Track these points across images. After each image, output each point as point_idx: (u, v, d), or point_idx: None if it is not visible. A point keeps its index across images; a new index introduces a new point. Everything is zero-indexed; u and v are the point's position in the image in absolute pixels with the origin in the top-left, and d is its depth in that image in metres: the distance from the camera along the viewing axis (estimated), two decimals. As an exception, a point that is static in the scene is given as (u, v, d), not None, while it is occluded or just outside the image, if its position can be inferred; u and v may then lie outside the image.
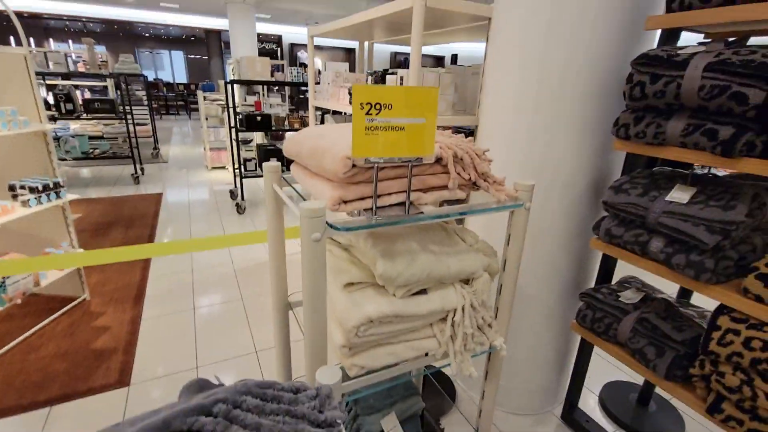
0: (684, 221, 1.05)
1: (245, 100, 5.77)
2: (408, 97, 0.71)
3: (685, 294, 1.65)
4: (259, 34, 10.42)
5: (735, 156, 0.95)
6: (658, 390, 1.85)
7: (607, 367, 2.06)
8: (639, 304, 1.32)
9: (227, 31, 9.07)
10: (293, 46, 14.06)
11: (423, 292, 0.88)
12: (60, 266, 2.27)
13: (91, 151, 5.27)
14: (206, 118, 5.85)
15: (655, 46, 1.34)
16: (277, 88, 8.94)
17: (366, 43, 2.75)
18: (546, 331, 1.64)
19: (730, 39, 1.10)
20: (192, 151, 7.55)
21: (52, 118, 4.67)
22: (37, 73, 4.31)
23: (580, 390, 1.66)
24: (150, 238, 3.48)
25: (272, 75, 4.83)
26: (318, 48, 14.10)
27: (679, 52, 1.04)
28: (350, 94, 2.08)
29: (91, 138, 5.43)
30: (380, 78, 1.99)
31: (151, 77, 13.76)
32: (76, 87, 7.82)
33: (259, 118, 4.06)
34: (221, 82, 6.13)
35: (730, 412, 1.03)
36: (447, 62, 15.05)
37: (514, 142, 1.46)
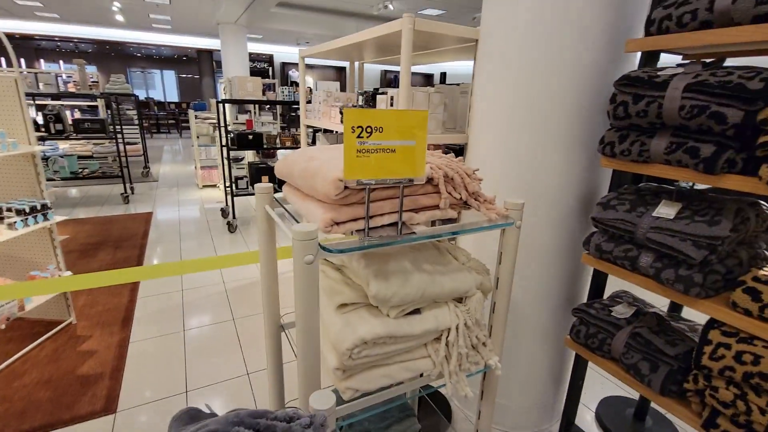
0: (671, 236, 1.07)
1: (237, 119, 5.81)
2: (398, 120, 0.72)
3: (675, 308, 1.67)
4: (250, 54, 10.56)
5: (717, 173, 0.98)
6: (654, 405, 1.85)
7: (603, 383, 2.05)
8: (631, 319, 1.33)
9: (219, 50, 9.18)
10: (284, 65, 14.25)
11: (417, 311, 0.87)
12: (46, 292, 2.21)
13: (80, 170, 5.22)
14: (197, 137, 5.85)
15: (636, 66, 1.39)
16: (268, 106, 9.01)
17: (356, 63, 2.80)
18: (540, 347, 1.63)
19: (708, 60, 1.14)
20: (183, 170, 7.52)
21: (41, 139, 4.64)
22: (27, 94, 4.30)
23: (577, 406, 1.65)
24: (139, 259, 3.43)
25: (264, 94, 4.88)
26: (309, 67, 14.31)
27: (659, 73, 1.08)
28: (341, 113, 2.10)
29: (80, 158, 5.40)
30: (371, 97, 2.03)
31: (142, 96, 13.79)
32: (66, 107, 7.79)
33: (250, 136, 4.08)
34: (213, 101, 6.17)
35: (725, 427, 1.03)
36: (436, 80, 15.36)
37: (503, 159, 1.48)
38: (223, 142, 4.12)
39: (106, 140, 5.47)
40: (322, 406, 0.64)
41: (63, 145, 5.49)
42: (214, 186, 6.18)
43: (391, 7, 7.77)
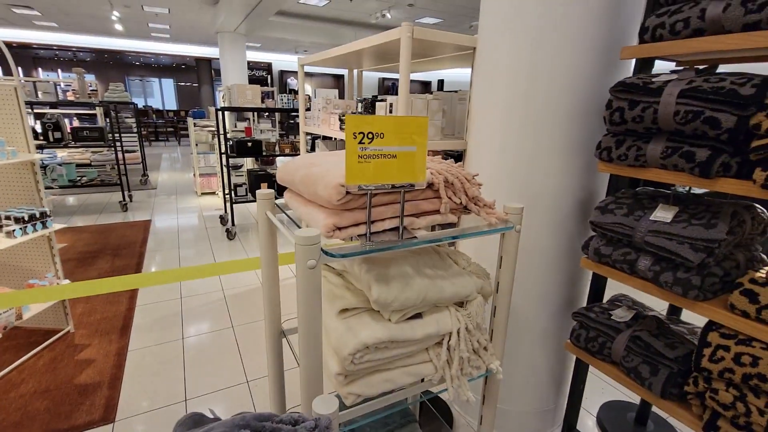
0: (669, 240, 1.08)
1: (236, 126, 5.82)
2: (399, 127, 0.74)
3: (674, 311, 1.67)
4: (249, 62, 10.62)
5: (712, 176, 0.99)
6: (655, 409, 1.84)
7: (604, 388, 2.05)
8: (631, 322, 1.33)
9: (218, 59, 9.23)
10: (283, 73, 14.34)
11: (418, 316, 0.88)
12: (44, 300, 2.20)
13: (78, 178, 5.22)
14: (196, 144, 5.87)
15: (631, 73, 1.42)
16: (267, 114, 9.05)
17: (355, 71, 2.83)
18: (541, 352, 1.63)
19: (701, 67, 1.16)
20: (181, 177, 7.52)
21: (40, 147, 4.64)
22: (26, 103, 4.31)
23: (578, 411, 1.64)
24: (138, 267, 3.42)
25: (263, 101, 4.90)
26: (308, 75, 14.41)
27: (654, 79, 1.10)
28: (341, 120, 2.12)
29: (78, 166, 5.40)
30: (370, 105, 2.04)
31: (141, 104, 13.83)
32: (65, 115, 7.81)
33: (249, 143, 4.09)
34: (212, 109, 6.19)
35: (726, 429, 1.03)
36: (434, 87, 15.48)
37: (502, 165, 1.50)
38: (222, 150, 4.13)
39: (104, 148, 5.48)
40: (326, 411, 0.64)
41: (61, 153, 5.50)
42: (213, 193, 6.18)
43: (388, 15, 7.85)
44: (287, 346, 1.19)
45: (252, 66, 13.20)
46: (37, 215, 2.13)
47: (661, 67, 1.26)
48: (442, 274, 0.91)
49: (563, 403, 1.76)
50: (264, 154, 4.20)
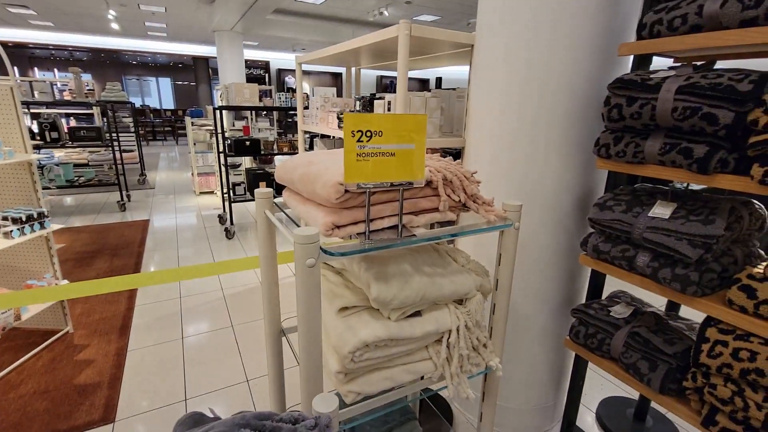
0: (667, 236, 1.08)
1: (233, 125, 5.81)
2: (397, 124, 0.73)
3: (673, 307, 1.68)
4: (246, 61, 10.59)
5: (710, 173, 0.99)
6: (654, 404, 1.85)
7: (603, 384, 2.06)
8: (630, 319, 1.34)
9: (215, 57, 9.21)
10: (281, 72, 14.30)
11: (417, 314, 0.88)
12: (42, 300, 2.20)
13: (76, 178, 5.20)
14: (194, 144, 5.85)
15: (629, 69, 1.42)
16: (265, 113, 9.04)
17: (353, 69, 2.82)
18: (540, 348, 1.64)
19: (698, 63, 1.16)
20: (179, 177, 7.50)
21: (37, 147, 4.62)
22: (23, 103, 4.29)
23: (577, 408, 1.65)
24: (136, 266, 3.41)
25: (260, 100, 4.89)
26: (306, 73, 14.36)
27: (651, 76, 1.10)
28: (339, 118, 2.12)
29: (76, 166, 5.37)
30: (368, 103, 2.04)
31: (138, 104, 13.77)
32: (62, 115, 7.78)
33: (247, 142, 4.08)
34: (209, 108, 6.18)
35: (724, 424, 1.03)
36: (432, 84, 15.46)
37: (500, 162, 1.50)
38: (221, 149, 4.12)
39: (102, 148, 5.46)
40: (326, 409, 0.64)
41: (58, 153, 5.47)
42: (211, 192, 6.17)
43: (386, 13, 7.83)
44: (287, 345, 1.19)
45: (249, 64, 13.16)
46: (35, 216, 2.12)
47: (659, 63, 1.26)
48: (441, 272, 0.91)
49: (563, 400, 1.77)
50: (262, 152, 4.19)
